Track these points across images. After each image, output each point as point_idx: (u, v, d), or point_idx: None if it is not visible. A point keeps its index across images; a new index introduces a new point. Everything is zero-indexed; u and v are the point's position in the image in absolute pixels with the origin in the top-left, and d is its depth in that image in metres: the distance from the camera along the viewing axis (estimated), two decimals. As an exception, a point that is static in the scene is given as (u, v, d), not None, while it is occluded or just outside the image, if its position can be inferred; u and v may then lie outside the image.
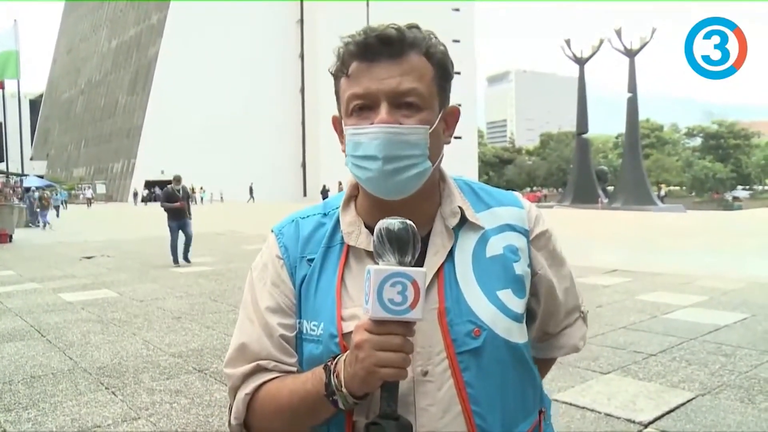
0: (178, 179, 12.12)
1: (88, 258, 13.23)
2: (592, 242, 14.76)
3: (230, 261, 12.44)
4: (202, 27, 64.75)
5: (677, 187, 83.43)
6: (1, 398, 4.40)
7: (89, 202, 51.05)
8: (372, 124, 0.98)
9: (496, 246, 1.06)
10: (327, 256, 1.06)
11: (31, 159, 79.24)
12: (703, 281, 9.13)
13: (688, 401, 4.16)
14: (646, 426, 3.77)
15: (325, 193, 43.41)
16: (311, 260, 1.07)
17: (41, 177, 50.25)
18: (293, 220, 1.14)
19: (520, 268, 1.07)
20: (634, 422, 3.81)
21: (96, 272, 11.08)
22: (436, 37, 1.03)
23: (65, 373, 4.96)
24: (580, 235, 16.74)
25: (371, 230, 1.03)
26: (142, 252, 14.65)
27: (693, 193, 78.85)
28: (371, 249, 1.00)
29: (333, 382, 0.93)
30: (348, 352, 0.93)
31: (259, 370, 1.03)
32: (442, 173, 1.10)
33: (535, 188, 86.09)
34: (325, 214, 1.12)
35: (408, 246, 0.89)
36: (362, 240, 1.05)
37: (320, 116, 70.49)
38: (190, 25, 64.84)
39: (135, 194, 56.97)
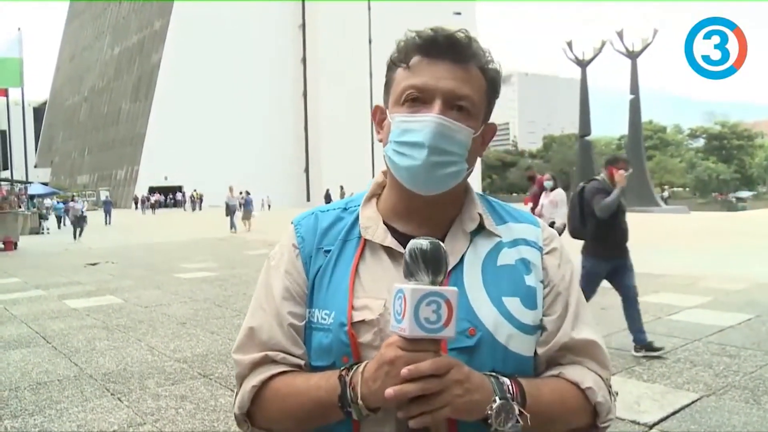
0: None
1: (93, 265, 13.27)
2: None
3: (233, 266, 12.46)
4: (204, 33, 64.98)
5: (680, 189, 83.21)
6: (7, 405, 4.41)
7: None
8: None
9: (508, 257, 1.07)
10: (344, 248, 1.08)
11: (35, 166, 79.64)
12: (707, 282, 9.12)
13: (693, 402, 4.16)
14: (650, 427, 3.77)
15: (328, 197, 43.27)
16: (328, 251, 1.08)
17: (45, 184, 50.33)
18: (313, 213, 1.16)
19: (532, 280, 1.06)
20: (638, 423, 3.81)
21: (100, 279, 11.10)
22: (491, 56, 1.06)
23: (71, 380, 4.98)
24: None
25: (389, 228, 1.07)
26: (145, 258, 14.71)
27: (696, 194, 78.62)
28: (387, 244, 1.04)
29: (349, 395, 0.93)
30: (366, 364, 0.93)
31: (268, 361, 1.04)
32: (466, 184, 1.11)
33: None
34: (345, 209, 1.14)
35: (441, 265, 0.89)
36: (379, 235, 1.06)
37: (322, 120, 70.64)
38: (192, 31, 65.07)
39: (143, 201, 52.67)
